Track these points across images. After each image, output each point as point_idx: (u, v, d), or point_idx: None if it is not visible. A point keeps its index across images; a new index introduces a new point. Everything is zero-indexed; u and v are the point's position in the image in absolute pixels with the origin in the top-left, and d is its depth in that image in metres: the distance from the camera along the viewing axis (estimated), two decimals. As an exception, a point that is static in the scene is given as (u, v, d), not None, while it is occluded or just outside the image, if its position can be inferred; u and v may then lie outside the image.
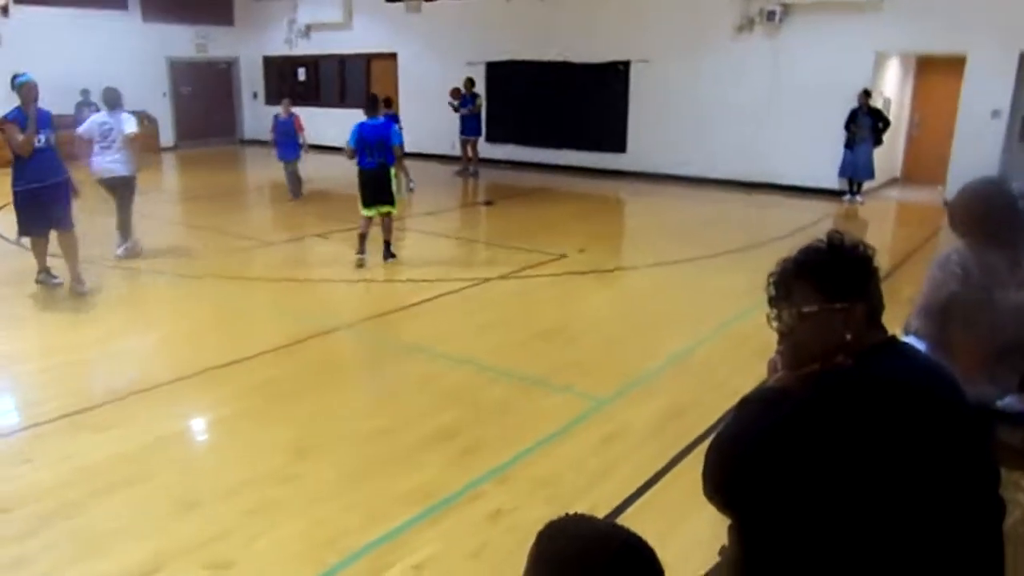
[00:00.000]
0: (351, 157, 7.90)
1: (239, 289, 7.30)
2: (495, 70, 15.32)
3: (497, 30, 15.14)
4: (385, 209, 7.97)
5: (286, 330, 5.96)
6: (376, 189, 7.87)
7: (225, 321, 6.44)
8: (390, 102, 12.04)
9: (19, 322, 6.37)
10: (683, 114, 13.40)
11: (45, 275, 7.05)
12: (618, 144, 14.25)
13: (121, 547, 3.26)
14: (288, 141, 12.06)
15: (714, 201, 12.10)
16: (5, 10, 15.88)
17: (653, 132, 13.81)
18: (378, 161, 7.80)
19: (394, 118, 11.14)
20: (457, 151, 14.61)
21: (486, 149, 15.35)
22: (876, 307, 1.65)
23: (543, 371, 5.23)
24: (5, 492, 3.69)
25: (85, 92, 16.40)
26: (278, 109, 12.69)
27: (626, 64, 13.86)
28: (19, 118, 6.66)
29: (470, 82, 14.15)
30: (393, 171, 8.08)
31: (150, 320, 6.60)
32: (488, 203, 12.15)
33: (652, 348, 5.79)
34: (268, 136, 13.26)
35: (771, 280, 1.69)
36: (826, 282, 1.62)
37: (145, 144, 16.96)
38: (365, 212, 7.91)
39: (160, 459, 4.11)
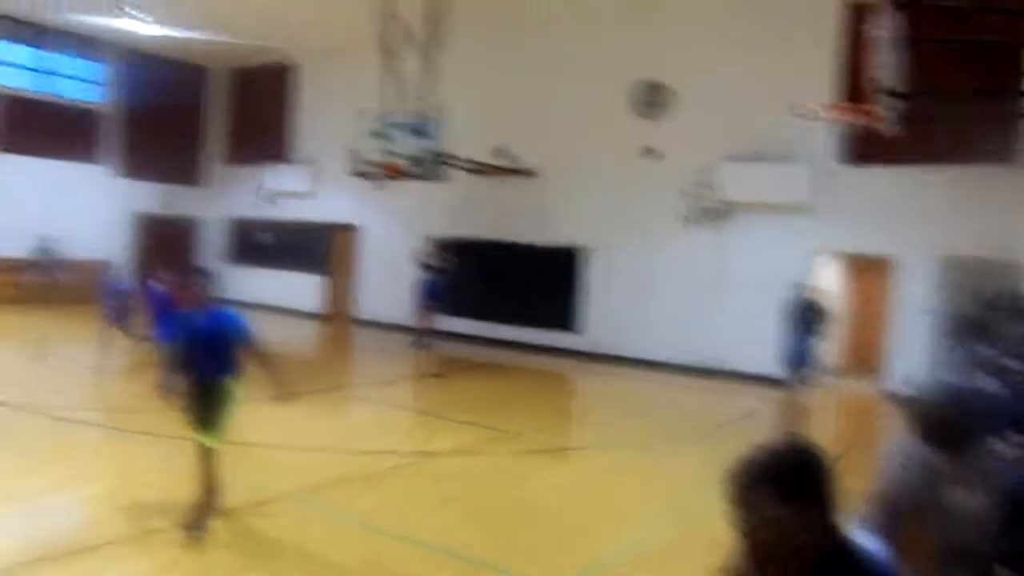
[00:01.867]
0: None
1: (176, 451, 7.11)
2: (454, 246, 15.89)
3: (457, 208, 15.86)
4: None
5: (231, 497, 5.79)
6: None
7: (157, 485, 6.24)
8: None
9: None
10: (633, 298, 13.96)
11: None
12: (570, 324, 14.67)
13: None
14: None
15: (663, 383, 12.38)
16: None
17: (605, 314, 14.30)
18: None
19: None
20: (411, 321, 14.78)
21: (442, 322, 15.61)
22: (830, 508, 1.77)
23: (497, 554, 5.15)
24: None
25: (46, 237, 16.61)
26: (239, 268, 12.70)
27: (579, 249, 14.54)
28: None
29: (442, 249, 14.51)
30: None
31: (102, 475, 6.36)
32: (438, 376, 12.21)
33: (605, 535, 5.75)
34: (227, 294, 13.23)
35: (731, 480, 1.80)
36: (783, 485, 1.74)
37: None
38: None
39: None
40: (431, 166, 12.81)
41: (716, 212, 13.14)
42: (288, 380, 5.47)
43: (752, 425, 9.76)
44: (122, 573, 4.61)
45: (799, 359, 12.28)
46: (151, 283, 10.35)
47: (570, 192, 14.66)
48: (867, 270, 13.91)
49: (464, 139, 13.88)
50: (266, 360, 5.48)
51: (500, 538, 5.47)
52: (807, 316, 12.14)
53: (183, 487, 5.42)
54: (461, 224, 15.89)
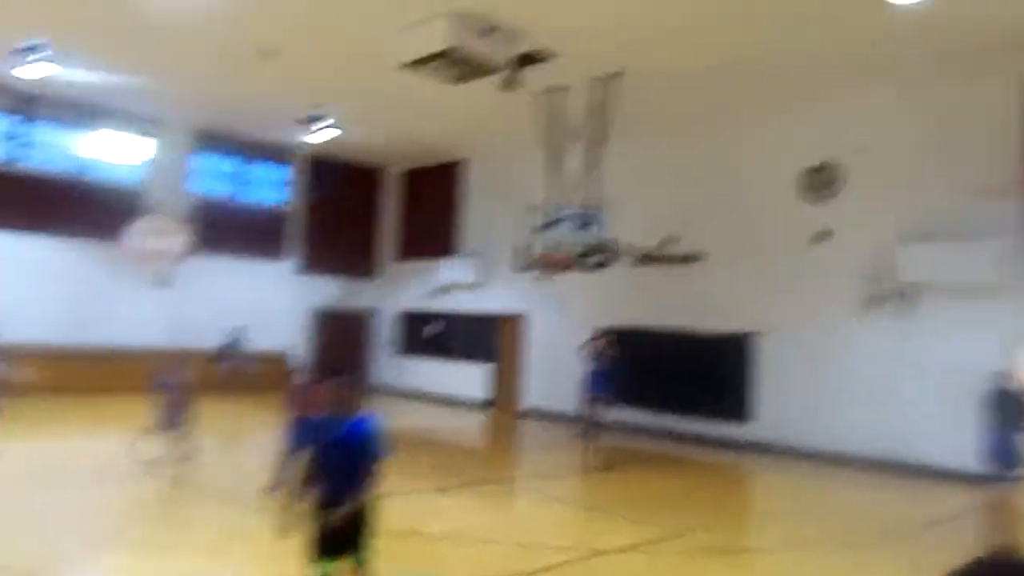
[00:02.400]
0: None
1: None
2: (619, 335, 15.73)
3: (623, 297, 15.77)
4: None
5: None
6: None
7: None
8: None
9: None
10: (809, 386, 13.18)
11: None
12: (741, 414, 14.01)
13: None
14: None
15: (844, 480, 11.49)
16: (182, 258, 17.95)
17: (778, 403, 13.56)
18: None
19: None
20: (579, 411, 14.60)
21: (609, 413, 15.40)
22: None
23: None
24: None
25: (236, 330, 17.97)
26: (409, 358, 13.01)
27: (750, 334, 13.99)
28: None
29: (610, 337, 14.28)
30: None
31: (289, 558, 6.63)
32: (606, 469, 11.95)
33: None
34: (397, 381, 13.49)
35: None
36: None
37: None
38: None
39: None
40: (597, 256, 12.89)
41: (898, 294, 12.31)
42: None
43: (952, 529, 8.81)
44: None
45: (1004, 455, 11.08)
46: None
47: (739, 278, 14.24)
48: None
49: (631, 228, 13.92)
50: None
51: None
52: (1009, 407, 10.99)
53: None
54: (628, 313, 15.75)
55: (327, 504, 4.50)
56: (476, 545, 7.28)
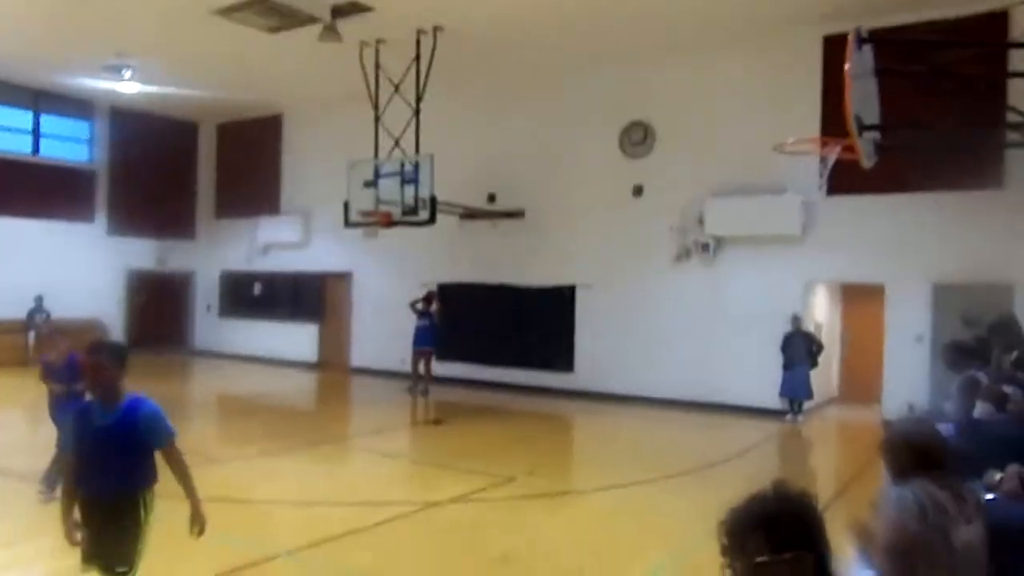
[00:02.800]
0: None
1: (174, 507, 7.02)
2: (447, 291, 15.91)
3: (450, 253, 15.90)
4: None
5: (219, 559, 5.71)
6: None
7: (162, 544, 6.15)
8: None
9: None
10: (627, 336, 13.95)
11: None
12: (565, 364, 14.62)
13: None
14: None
15: (661, 421, 12.31)
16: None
17: (599, 353, 14.27)
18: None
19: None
20: (407, 367, 14.73)
21: (436, 367, 15.60)
22: (824, 555, 1.75)
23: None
24: None
25: (39, 298, 16.52)
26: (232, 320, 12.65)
27: (571, 288, 14.55)
28: None
29: (430, 295, 14.55)
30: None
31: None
32: (437, 422, 12.14)
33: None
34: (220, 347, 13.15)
35: (722, 530, 1.79)
36: (775, 533, 1.73)
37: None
38: None
39: None
40: (421, 212, 12.90)
41: (706, 247, 13.19)
42: (200, 505, 4.30)
43: (751, 460, 9.69)
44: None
45: (796, 390, 12.31)
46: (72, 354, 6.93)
47: (561, 233, 14.72)
48: (860, 298, 13.96)
49: (455, 184, 14.01)
50: (182, 471, 4.15)
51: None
52: (802, 347, 12.19)
53: None
54: (454, 269, 15.93)
55: (90, 505, 3.83)
56: (310, 507, 7.23)
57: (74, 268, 18.11)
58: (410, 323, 14.53)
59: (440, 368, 15.19)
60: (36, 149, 18.15)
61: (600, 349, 14.29)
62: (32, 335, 16.40)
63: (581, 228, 14.54)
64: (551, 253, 14.83)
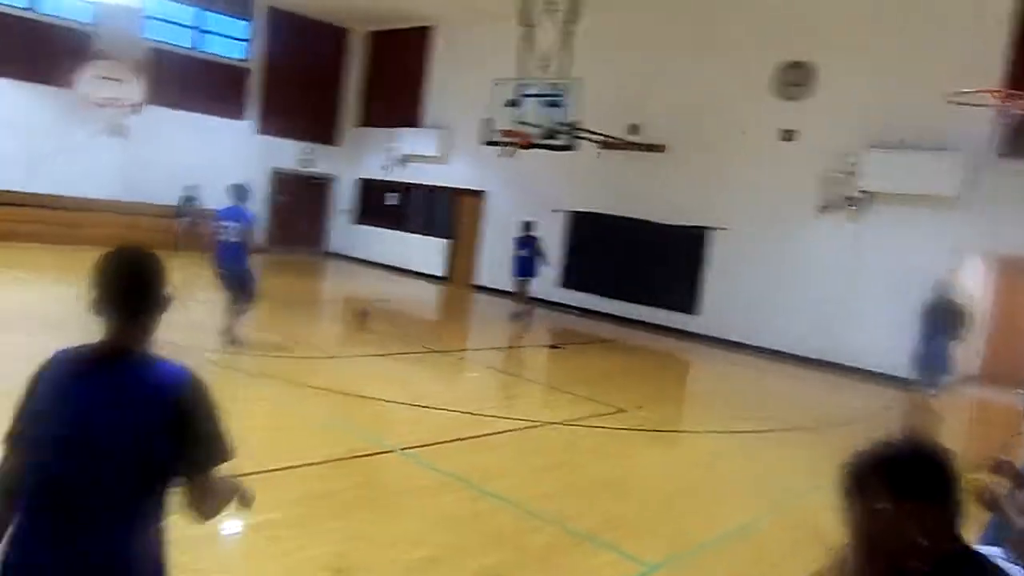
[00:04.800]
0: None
1: (300, 396, 7.45)
2: (577, 219, 15.81)
3: (584, 182, 15.72)
4: None
5: (339, 444, 6.03)
6: None
7: (282, 425, 6.55)
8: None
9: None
10: (759, 284, 13.47)
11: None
12: (691, 305, 14.33)
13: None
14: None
15: (784, 375, 11.95)
16: (137, 108, 17.29)
17: (727, 298, 13.87)
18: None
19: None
20: (531, 291, 14.79)
21: (560, 294, 15.66)
22: (953, 513, 1.63)
23: (593, 525, 5.13)
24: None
25: (190, 188, 17.47)
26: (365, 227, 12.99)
27: (706, 228, 14.14)
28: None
29: (526, 225, 14.42)
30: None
31: (223, 409, 6.74)
32: (554, 347, 12.24)
33: (706, 518, 5.63)
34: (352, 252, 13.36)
35: (844, 471, 1.70)
36: (901, 480, 1.62)
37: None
38: None
39: (203, 552, 4.13)
40: (562, 137, 12.74)
41: (853, 201, 12.47)
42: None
43: (875, 424, 9.29)
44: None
45: (934, 362, 11.58)
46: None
47: (701, 172, 14.23)
48: (1017, 274, 12.92)
49: (597, 112, 13.70)
50: None
51: (597, 510, 5.44)
52: (946, 318, 11.40)
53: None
54: (586, 197, 15.75)
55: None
56: (419, 411, 7.47)
57: (222, 163, 18.99)
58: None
59: (562, 296, 15.22)
60: (196, 44, 18.99)
61: (727, 294, 13.89)
62: (182, 222, 17.44)
63: (722, 169, 14.00)
64: (688, 192, 14.39)
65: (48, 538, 1.82)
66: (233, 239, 8.88)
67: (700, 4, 14.28)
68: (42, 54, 16.22)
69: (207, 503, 2.02)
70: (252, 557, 4.22)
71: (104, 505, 1.85)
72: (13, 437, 1.90)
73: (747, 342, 13.37)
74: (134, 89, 17.00)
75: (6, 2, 15.94)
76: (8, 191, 16.02)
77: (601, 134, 13.93)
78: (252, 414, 6.69)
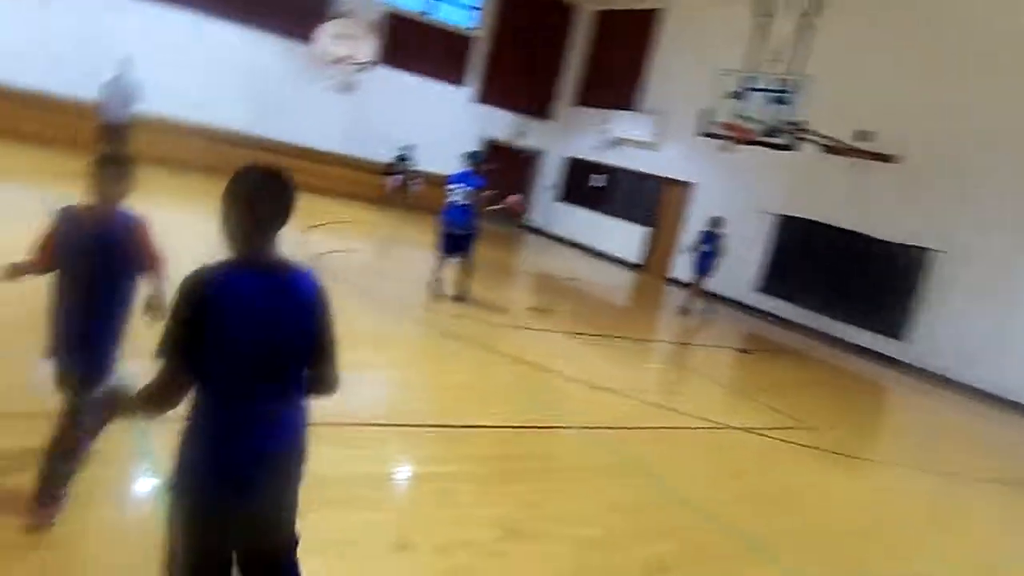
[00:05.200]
0: None
1: (491, 361, 7.68)
2: (786, 224, 15.10)
3: (799, 186, 14.95)
4: None
5: (525, 413, 6.18)
6: None
7: (472, 385, 6.79)
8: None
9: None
10: (990, 317, 12.11)
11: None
12: (900, 331, 13.25)
13: (332, 562, 3.50)
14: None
15: (1002, 422, 10.82)
16: (368, 67, 18.35)
17: (944, 328, 12.65)
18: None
19: None
20: (720, 290, 14.36)
21: (756, 299, 15.08)
22: None
23: (762, 535, 4.94)
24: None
25: (406, 148, 18.36)
26: (568, 206, 13.05)
27: (929, 250, 12.99)
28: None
29: (714, 221, 13.89)
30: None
31: (410, 363, 7.12)
32: (744, 351, 11.82)
33: (881, 552, 5.25)
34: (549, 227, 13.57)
35: None
36: None
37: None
38: None
39: (383, 495, 4.40)
40: (784, 136, 12.19)
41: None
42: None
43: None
44: (428, 450, 5.13)
45: None
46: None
47: (935, 189, 13.03)
48: None
49: (825, 114, 12.96)
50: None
51: (773, 523, 5.23)
52: None
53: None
54: (799, 202, 14.96)
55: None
56: (602, 393, 7.49)
57: (438, 127, 19.82)
58: (742, 248, 14.08)
59: (760, 300, 14.65)
60: (428, 9, 19.79)
61: (947, 323, 12.65)
62: (392, 179, 18.38)
63: (964, 188, 12.65)
64: (917, 208, 13.24)
65: (249, 411, 2.28)
66: (463, 202, 9.40)
67: (963, 7, 13.03)
68: (283, 9, 17.54)
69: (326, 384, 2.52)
70: (433, 503, 4.42)
71: (290, 381, 2.38)
72: (179, 346, 2.19)
73: (961, 380, 12.20)
74: (366, 48, 18.04)
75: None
76: (232, 130, 17.40)
77: (828, 137, 13.17)
78: (448, 371, 7.01)
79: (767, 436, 7.23)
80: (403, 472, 4.86)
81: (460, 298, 9.76)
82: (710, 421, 7.29)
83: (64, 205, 3.28)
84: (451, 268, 9.87)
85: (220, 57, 16.93)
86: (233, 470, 2.26)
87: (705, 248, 13.38)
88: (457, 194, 9.69)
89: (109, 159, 3.29)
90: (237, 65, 17.20)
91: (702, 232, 13.64)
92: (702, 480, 5.79)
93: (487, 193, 9.69)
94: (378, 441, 4.97)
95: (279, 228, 2.29)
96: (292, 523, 2.53)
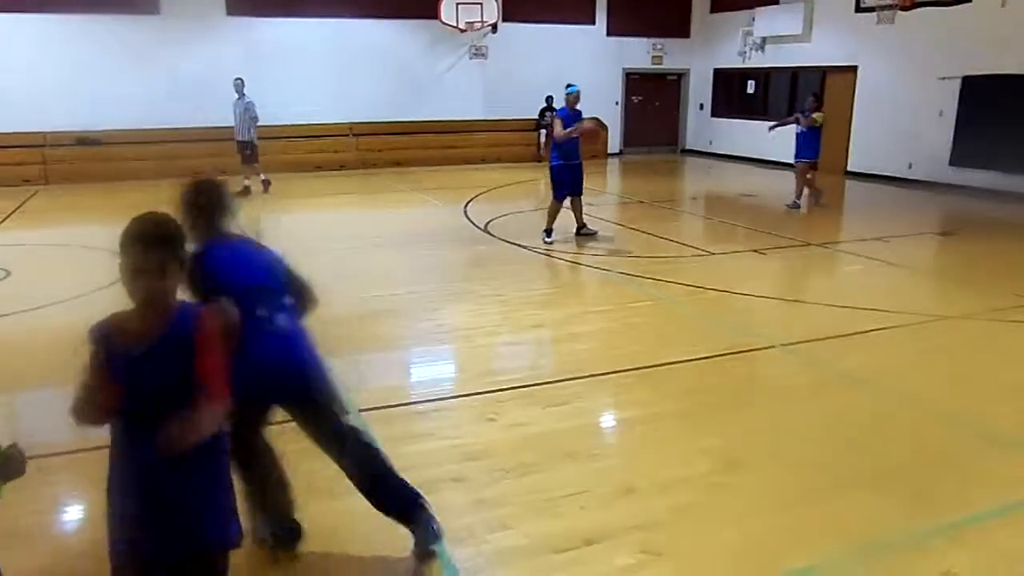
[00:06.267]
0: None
1: (672, 294, 7.53)
2: (973, 85, 13.65)
3: (981, 40, 13.43)
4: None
5: (719, 341, 6.01)
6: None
7: (661, 324, 6.69)
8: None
9: (490, 299, 7.31)
10: None
11: (546, 234, 9.64)
12: None
13: (568, 513, 3.59)
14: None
15: None
16: (495, 27, 18.36)
17: None
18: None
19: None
20: (912, 174, 13.27)
21: (952, 174, 13.82)
22: None
23: (1013, 428, 4.55)
24: (473, 444, 4.29)
25: (548, 98, 18.29)
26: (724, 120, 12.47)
27: None
28: (564, 115, 9.49)
29: (814, 98, 12.61)
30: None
31: (593, 312, 7.12)
32: (946, 233, 10.89)
33: None
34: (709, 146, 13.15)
35: None
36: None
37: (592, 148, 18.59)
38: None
39: (604, 442, 4.45)
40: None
41: None
42: None
43: None
44: (629, 395, 5.13)
45: None
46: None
47: None
48: None
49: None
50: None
51: (1017, 412, 4.80)
52: None
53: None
54: (985, 58, 13.40)
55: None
56: (799, 306, 7.16)
57: (577, 69, 19.44)
58: (924, 123, 12.91)
59: (957, 175, 13.45)
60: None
61: None
62: (542, 133, 18.34)
63: None
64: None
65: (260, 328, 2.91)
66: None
67: None
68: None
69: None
70: (649, 445, 4.40)
71: (288, 305, 3.08)
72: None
73: None
74: (491, 9, 17.99)
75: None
76: (399, 121, 18.08)
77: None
78: (634, 312, 6.95)
79: (994, 320, 6.64)
80: (613, 419, 4.89)
81: (590, 232, 9.96)
82: (922, 315, 6.77)
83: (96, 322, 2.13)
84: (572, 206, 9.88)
85: (357, 53, 17.53)
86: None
87: (800, 127, 12.18)
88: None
89: (139, 236, 2.05)
90: (379, 56, 17.73)
91: (801, 110, 12.43)
92: (928, 380, 5.40)
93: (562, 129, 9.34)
94: (580, 394, 5.01)
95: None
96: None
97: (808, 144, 12.12)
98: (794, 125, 12.22)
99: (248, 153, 13.95)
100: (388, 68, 17.89)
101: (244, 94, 13.75)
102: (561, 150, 9.49)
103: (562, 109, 9.69)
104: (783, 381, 5.45)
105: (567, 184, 9.62)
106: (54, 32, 15.37)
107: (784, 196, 13.03)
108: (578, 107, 9.61)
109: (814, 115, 11.95)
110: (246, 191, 13.54)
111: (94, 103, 15.58)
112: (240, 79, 13.75)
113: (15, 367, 5.62)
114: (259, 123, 13.98)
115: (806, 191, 12.49)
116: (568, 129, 9.31)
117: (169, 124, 15.79)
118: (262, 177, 13.97)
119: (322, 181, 15.97)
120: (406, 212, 12.77)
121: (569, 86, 9.60)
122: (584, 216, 10.01)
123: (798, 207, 12.32)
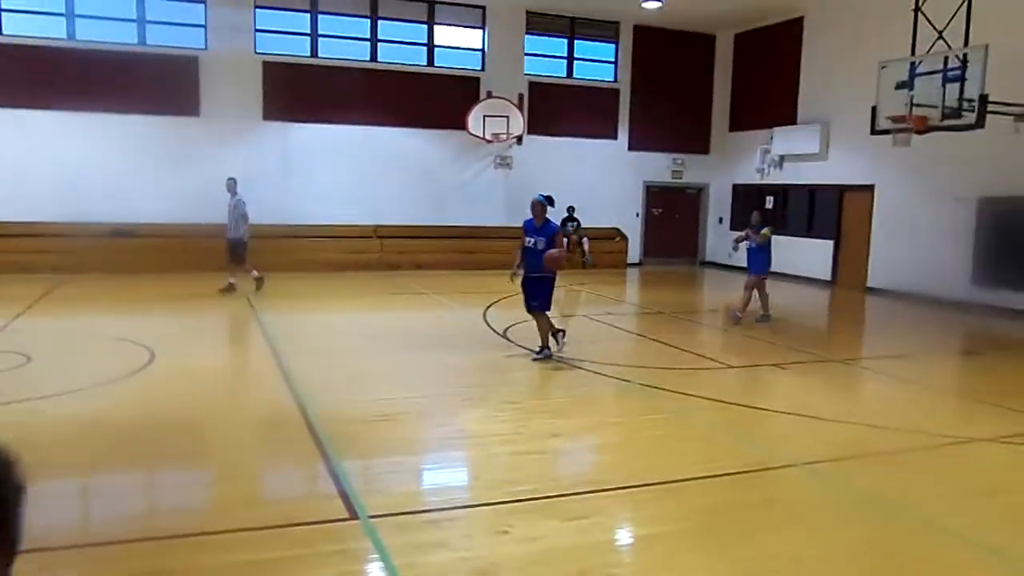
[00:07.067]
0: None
1: (692, 407, 7.44)
2: (990, 206, 13.80)
3: (996, 163, 13.65)
4: None
5: (738, 457, 5.89)
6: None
7: (679, 438, 6.59)
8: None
9: (507, 406, 7.25)
10: None
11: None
12: None
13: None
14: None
15: None
16: (520, 139, 18.96)
17: None
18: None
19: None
20: (933, 291, 13.23)
21: (972, 292, 13.79)
22: None
23: (1045, 561, 4.37)
24: (485, 558, 4.16)
25: (571, 209, 18.63)
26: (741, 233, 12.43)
27: None
28: (527, 225, 9.36)
29: (759, 213, 12.62)
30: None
31: (611, 422, 7.03)
32: (971, 353, 10.78)
33: None
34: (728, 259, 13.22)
35: None
36: None
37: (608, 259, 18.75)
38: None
39: (619, 559, 4.31)
40: (966, 115, 11.24)
41: None
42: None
43: None
44: (649, 511, 5.00)
45: None
46: None
47: None
48: None
49: (1008, 81, 11.89)
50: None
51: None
52: None
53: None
54: (1003, 181, 13.60)
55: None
56: (820, 423, 7.04)
57: (599, 182, 20.04)
58: (941, 241, 13.00)
59: (979, 294, 13.41)
60: (568, 72, 20.15)
61: None
62: (564, 242, 18.64)
63: None
64: None
65: None
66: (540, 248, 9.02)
67: None
68: (436, 102, 18.47)
69: None
70: (659, 565, 4.26)
71: None
72: None
73: None
74: (517, 122, 18.64)
75: (402, 60, 18.41)
76: (423, 225, 18.48)
77: (1017, 104, 12.01)
78: (652, 424, 6.86)
79: (1019, 445, 6.48)
80: (629, 536, 4.75)
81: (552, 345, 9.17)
82: (948, 436, 6.63)
83: None
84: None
85: (386, 159, 18.11)
86: None
87: (749, 243, 12.14)
88: (536, 243, 9.16)
89: None
90: (402, 163, 18.29)
91: (750, 225, 12.35)
92: (957, 505, 5.23)
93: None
94: (598, 508, 4.89)
95: None
96: None
97: (758, 258, 12.13)
98: (746, 242, 12.22)
99: (237, 252, 13.71)
100: (414, 174, 18.45)
101: (236, 192, 13.65)
102: (523, 260, 9.25)
103: (528, 220, 9.33)
104: (804, 503, 5.29)
105: (526, 295, 9.25)
106: (103, 129, 16.14)
107: (804, 312, 13.00)
108: (548, 216, 9.30)
109: (763, 231, 11.99)
110: (230, 288, 13.45)
111: (133, 197, 16.11)
112: (233, 179, 13.69)
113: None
114: (249, 221, 13.70)
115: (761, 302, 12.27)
116: (526, 243, 9.14)
117: (204, 220, 16.20)
118: (254, 275, 13.84)
119: (346, 281, 16.19)
120: (426, 315, 12.86)
121: (539, 195, 9.41)
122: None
123: (739, 319, 12.05)
